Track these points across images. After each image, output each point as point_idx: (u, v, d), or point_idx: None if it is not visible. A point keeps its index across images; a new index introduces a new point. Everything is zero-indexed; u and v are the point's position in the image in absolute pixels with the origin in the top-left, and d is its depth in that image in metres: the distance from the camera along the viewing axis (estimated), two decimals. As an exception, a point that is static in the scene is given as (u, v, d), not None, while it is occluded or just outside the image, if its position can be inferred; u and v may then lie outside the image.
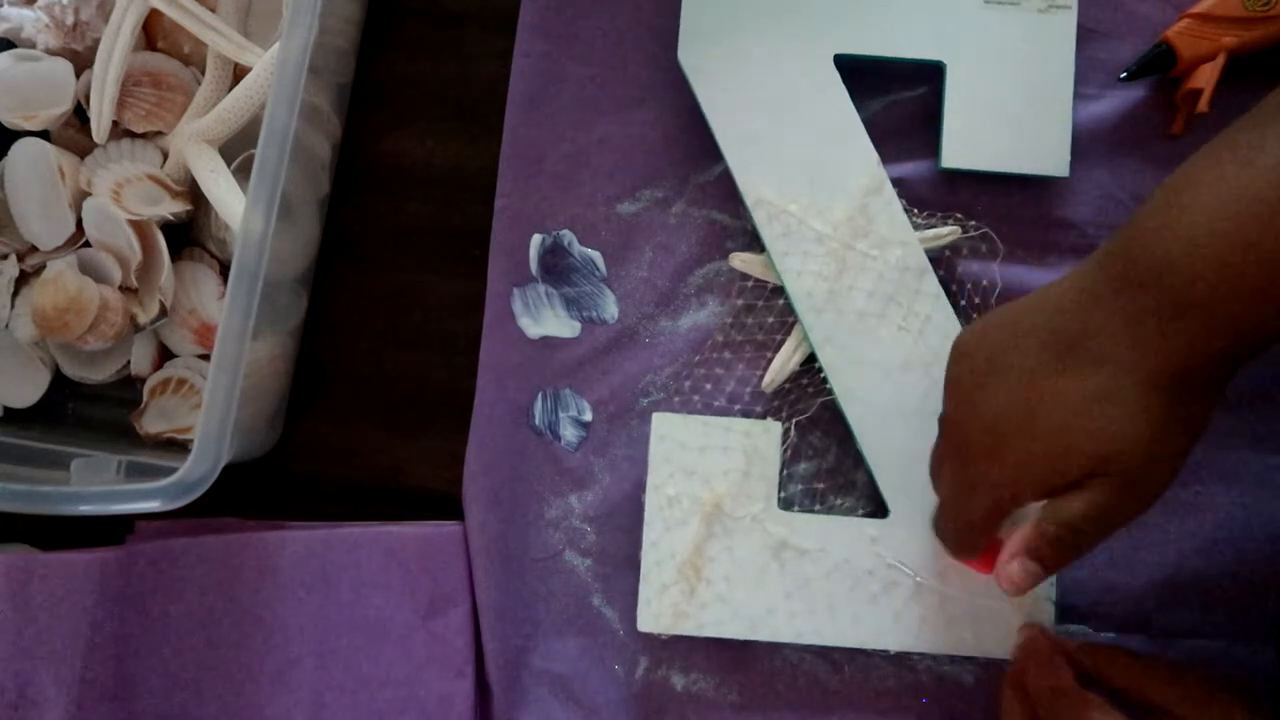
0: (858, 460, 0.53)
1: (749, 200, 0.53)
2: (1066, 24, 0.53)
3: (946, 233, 0.53)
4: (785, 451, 0.53)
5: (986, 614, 0.50)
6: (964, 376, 0.43)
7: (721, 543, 0.51)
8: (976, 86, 0.53)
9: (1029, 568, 0.42)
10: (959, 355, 0.44)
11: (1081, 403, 0.39)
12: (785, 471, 0.53)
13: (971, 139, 0.53)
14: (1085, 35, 0.54)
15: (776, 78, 0.54)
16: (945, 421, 0.45)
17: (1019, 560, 0.42)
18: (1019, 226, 0.54)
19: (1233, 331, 0.37)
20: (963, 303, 0.53)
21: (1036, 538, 0.42)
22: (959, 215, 0.53)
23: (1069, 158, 0.53)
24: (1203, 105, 0.52)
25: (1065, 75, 0.53)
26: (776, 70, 0.54)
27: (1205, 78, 0.52)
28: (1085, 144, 0.54)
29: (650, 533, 0.51)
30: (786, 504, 0.53)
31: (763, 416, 0.54)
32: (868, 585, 0.51)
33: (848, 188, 0.53)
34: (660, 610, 0.51)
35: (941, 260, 0.54)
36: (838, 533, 0.51)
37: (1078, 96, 0.53)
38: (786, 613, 0.51)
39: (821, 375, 0.53)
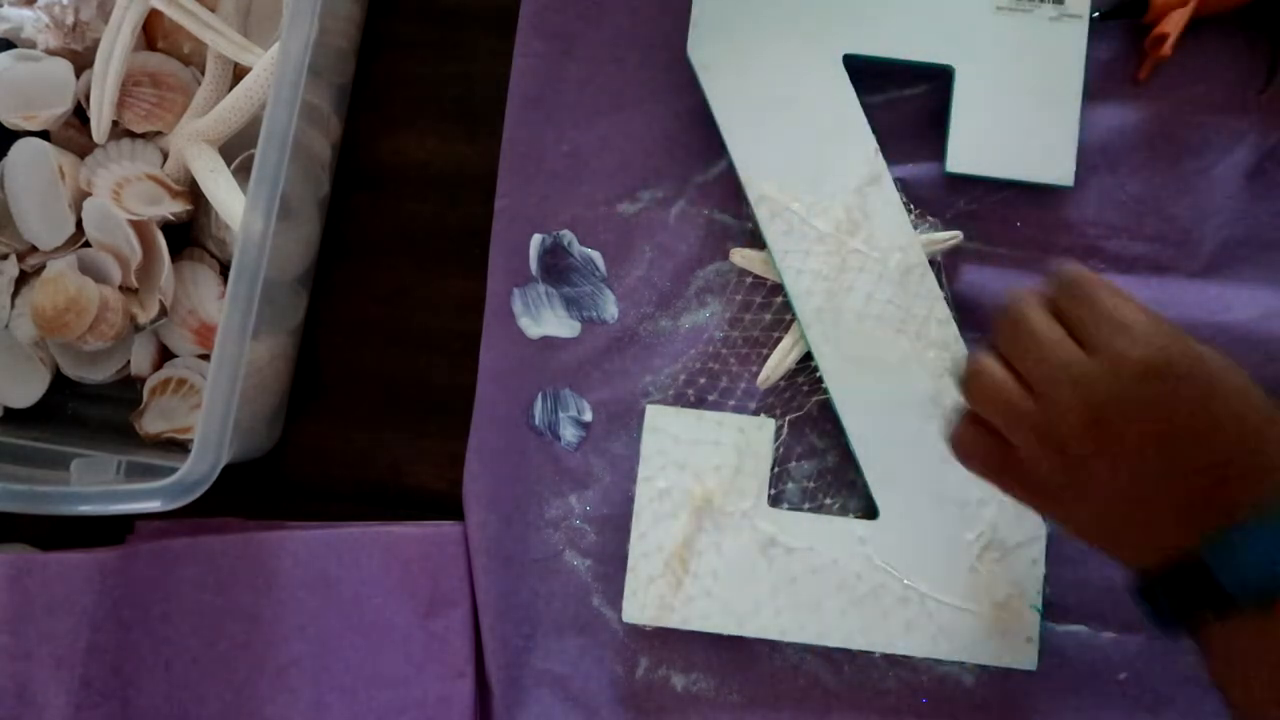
0: (854, 461, 0.53)
1: (752, 196, 0.53)
2: (1078, 33, 0.53)
3: (948, 237, 0.53)
4: (777, 449, 0.53)
5: (970, 620, 0.50)
6: (1153, 404, 0.38)
7: (710, 537, 0.51)
8: (985, 92, 0.53)
9: None
10: (1164, 372, 0.38)
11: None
12: (781, 469, 0.53)
13: (978, 144, 0.53)
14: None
15: (785, 76, 0.54)
16: (1099, 420, 0.38)
17: None
18: (1019, 226, 0.54)
19: None
20: (957, 300, 0.53)
21: None
22: (965, 234, 0.53)
23: (1074, 168, 0.53)
24: (1166, 50, 0.52)
25: (1074, 85, 0.53)
26: (785, 68, 0.54)
27: (1173, 23, 0.52)
28: (1087, 145, 0.54)
29: (639, 524, 0.52)
30: (776, 501, 0.53)
31: (756, 413, 0.54)
32: (855, 586, 0.51)
33: (851, 188, 0.53)
34: (646, 602, 0.51)
35: (941, 262, 0.54)
36: (827, 532, 0.51)
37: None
38: (772, 610, 0.51)
39: (817, 374, 0.53)
